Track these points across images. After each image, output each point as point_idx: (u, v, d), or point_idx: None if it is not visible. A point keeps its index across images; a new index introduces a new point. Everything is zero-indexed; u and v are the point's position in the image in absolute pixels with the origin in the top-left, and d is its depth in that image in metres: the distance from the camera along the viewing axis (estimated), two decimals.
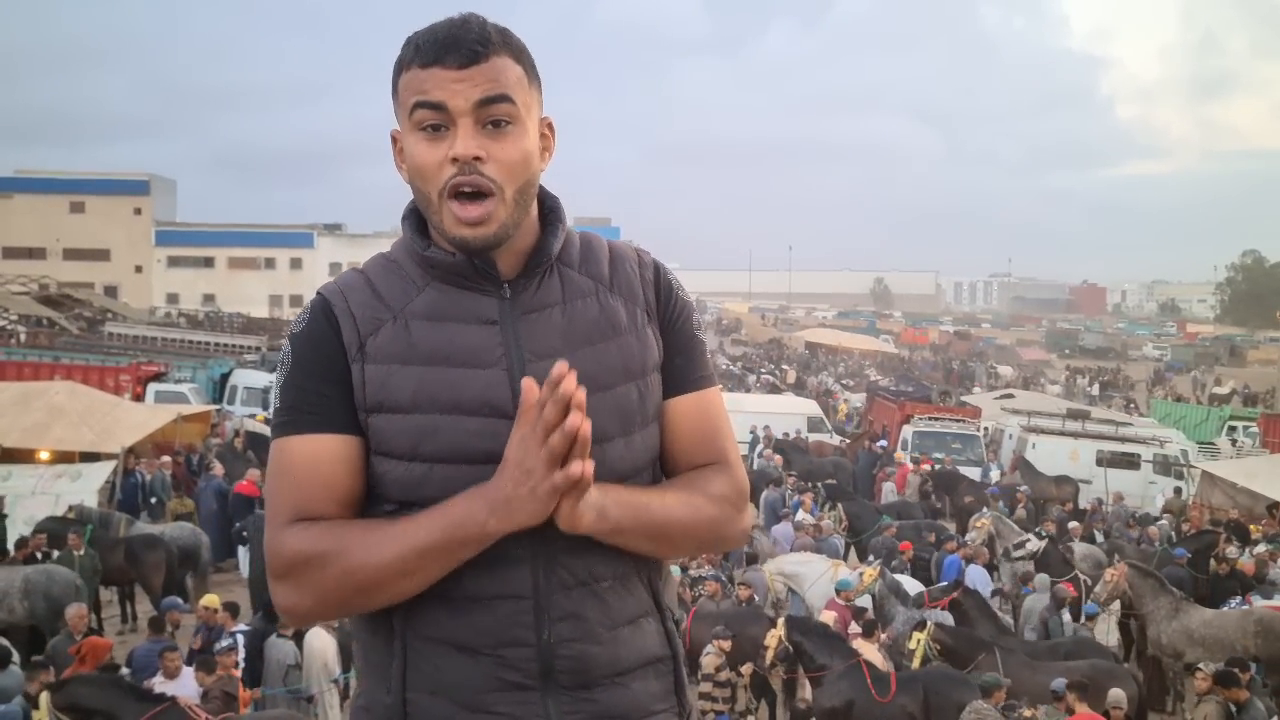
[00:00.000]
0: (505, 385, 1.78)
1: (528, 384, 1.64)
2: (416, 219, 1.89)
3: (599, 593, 1.83)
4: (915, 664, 10.91)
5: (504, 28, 1.81)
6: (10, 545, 14.48)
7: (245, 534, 14.78)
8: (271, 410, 1.89)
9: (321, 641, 10.33)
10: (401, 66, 1.80)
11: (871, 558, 15.28)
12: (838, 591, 12.17)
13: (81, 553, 12.88)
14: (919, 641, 11.01)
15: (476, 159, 1.75)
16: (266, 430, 23.07)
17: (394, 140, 1.86)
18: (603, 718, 1.82)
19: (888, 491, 21.94)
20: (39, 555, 12.83)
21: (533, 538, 1.76)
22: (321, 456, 1.79)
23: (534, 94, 1.84)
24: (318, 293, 1.89)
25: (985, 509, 17.92)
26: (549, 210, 1.92)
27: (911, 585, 13.74)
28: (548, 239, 1.89)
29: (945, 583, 13.32)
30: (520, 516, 1.66)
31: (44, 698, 8.17)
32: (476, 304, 1.83)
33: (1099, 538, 18.35)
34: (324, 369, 1.81)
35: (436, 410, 1.77)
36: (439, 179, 1.77)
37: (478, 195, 1.77)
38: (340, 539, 1.73)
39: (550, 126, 1.89)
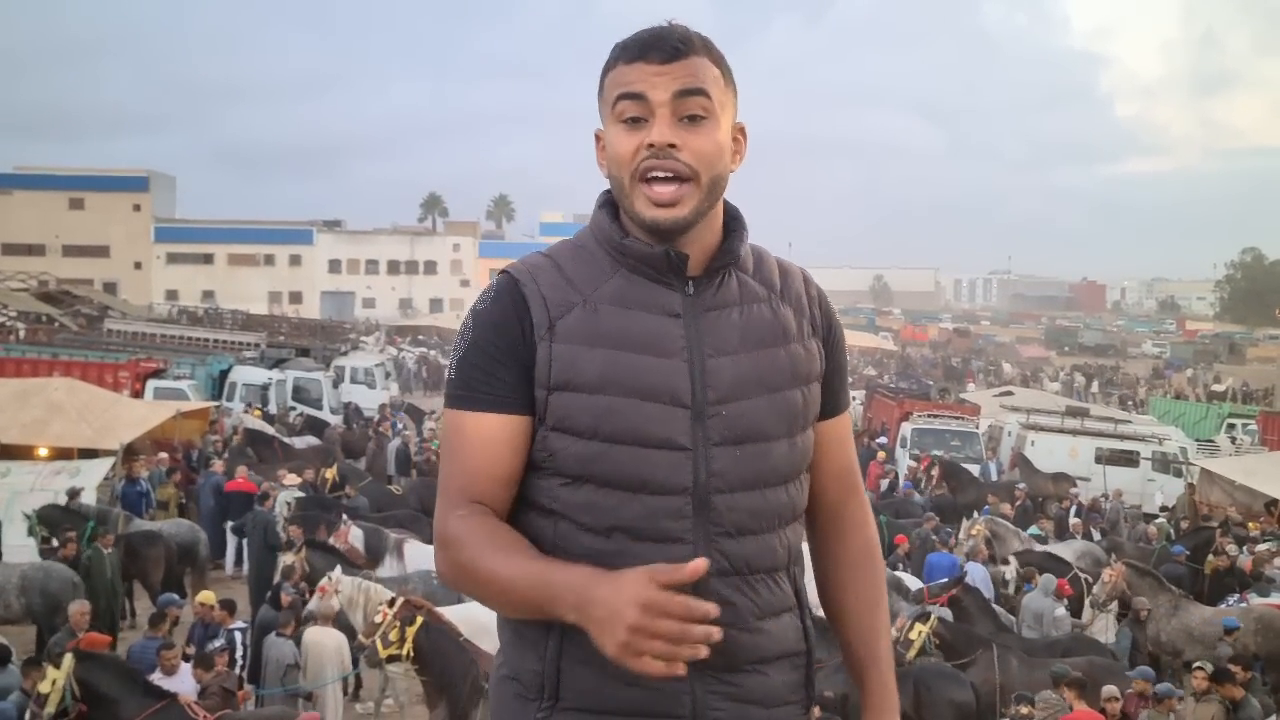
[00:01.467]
0: (685, 376, 1.89)
1: (700, 563, 1.66)
2: (611, 208, 1.98)
3: (752, 583, 1.93)
4: (912, 654, 10.95)
5: (705, 36, 1.93)
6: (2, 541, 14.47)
7: (245, 530, 14.69)
8: (446, 380, 2.01)
9: (334, 640, 10.32)
10: (608, 67, 1.92)
11: None
12: None
13: (111, 551, 12.81)
14: (920, 633, 11.03)
15: (671, 146, 1.85)
16: (265, 427, 23.12)
17: (597, 139, 1.98)
18: (742, 701, 1.91)
19: (884, 489, 21.92)
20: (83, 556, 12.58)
21: (696, 521, 1.88)
22: (490, 436, 1.90)
23: (729, 96, 1.95)
24: (505, 272, 1.99)
25: (977, 513, 17.87)
26: (731, 217, 2.01)
27: (911, 582, 13.75)
28: (733, 241, 1.99)
29: (944, 580, 13.31)
30: (594, 633, 1.67)
31: (68, 659, 8.14)
32: (662, 296, 1.93)
33: (1094, 535, 18.33)
34: (503, 350, 1.90)
35: (619, 393, 1.86)
36: (634, 164, 1.87)
37: (671, 179, 1.86)
38: (479, 541, 1.84)
39: (743, 132, 2.01)
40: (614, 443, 1.85)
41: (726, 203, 2.01)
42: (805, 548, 2.14)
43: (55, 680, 8.03)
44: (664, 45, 1.86)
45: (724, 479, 1.89)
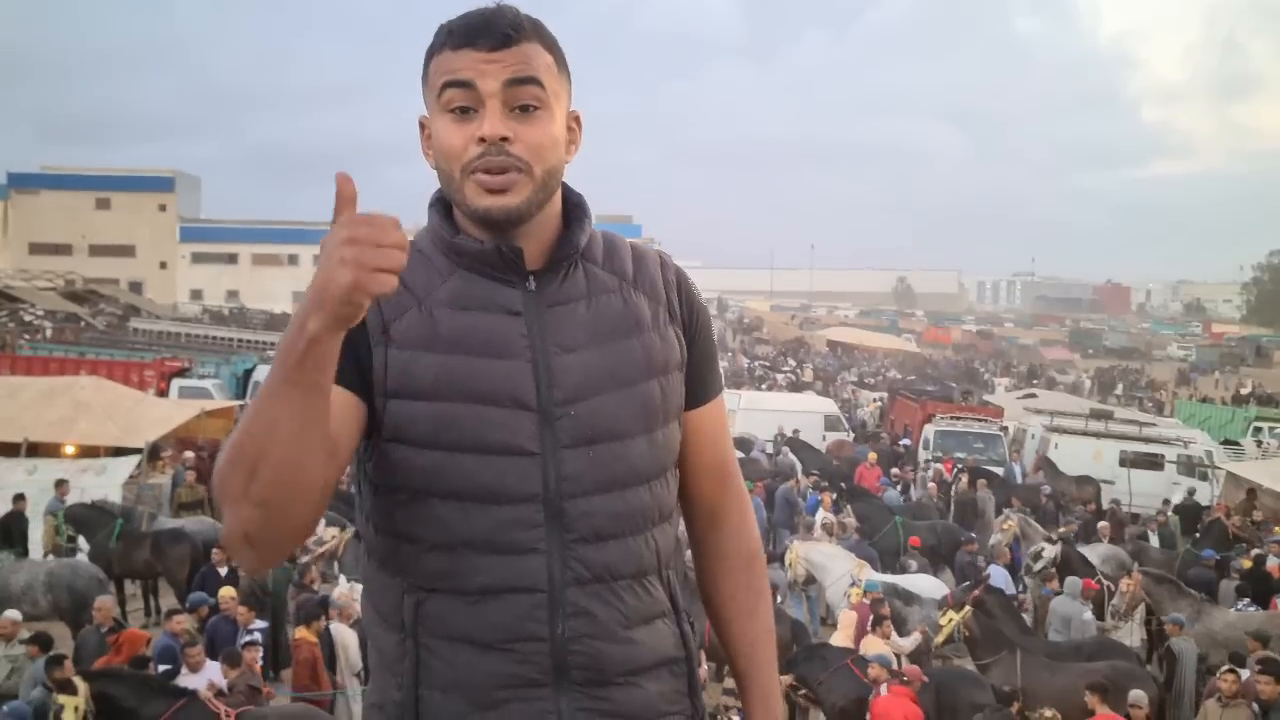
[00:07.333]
0: (529, 376, 1.77)
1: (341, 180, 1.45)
2: (443, 207, 1.87)
3: (616, 590, 1.81)
4: (940, 640, 10.98)
5: (536, 19, 1.81)
6: (30, 538, 14.56)
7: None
8: None
9: (344, 636, 10.40)
10: (433, 51, 1.80)
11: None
12: (865, 593, 12.13)
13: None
14: (951, 620, 11.01)
15: (504, 139, 1.74)
16: None
17: (422, 126, 1.86)
18: (614, 716, 1.80)
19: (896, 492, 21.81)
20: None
21: (549, 529, 1.76)
22: None
23: (563, 84, 1.83)
24: None
25: (1008, 510, 17.81)
26: (574, 206, 1.90)
27: (928, 583, 13.72)
28: (573, 232, 1.87)
29: (967, 583, 13.27)
30: (327, 294, 1.41)
31: (82, 686, 8.21)
32: (501, 294, 1.81)
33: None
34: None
35: (458, 398, 1.74)
36: (464, 157, 1.76)
37: (502, 170, 1.76)
38: (232, 435, 1.57)
39: (578, 120, 1.89)
40: (455, 451, 1.73)
41: (569, 191, 1.89)
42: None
43: (77, 706, 8.11)
44: (494, 31, 1.74)
45: (577, 483, 1.77)
